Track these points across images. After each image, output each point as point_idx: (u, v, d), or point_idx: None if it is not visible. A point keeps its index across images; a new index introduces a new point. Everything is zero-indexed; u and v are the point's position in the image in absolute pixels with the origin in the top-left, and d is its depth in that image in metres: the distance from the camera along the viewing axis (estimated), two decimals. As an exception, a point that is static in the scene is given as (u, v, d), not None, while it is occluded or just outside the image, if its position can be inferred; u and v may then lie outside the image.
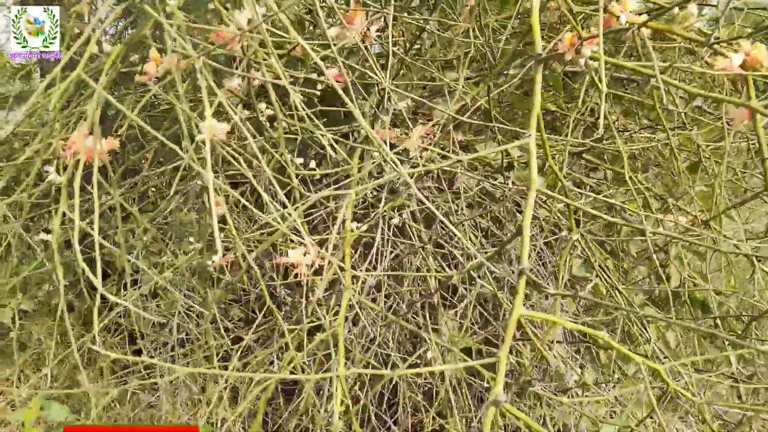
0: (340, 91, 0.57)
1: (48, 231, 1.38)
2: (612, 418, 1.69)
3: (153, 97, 1.00)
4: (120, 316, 1.75)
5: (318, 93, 0.74)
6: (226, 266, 1.01)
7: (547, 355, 0.79)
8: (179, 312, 1.77)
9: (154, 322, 1.90)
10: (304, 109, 0.68)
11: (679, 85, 0.69)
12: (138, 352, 1.93)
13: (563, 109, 1.58)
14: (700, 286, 1.50)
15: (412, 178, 0.59)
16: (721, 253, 1.24)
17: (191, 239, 1.14)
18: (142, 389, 1.84)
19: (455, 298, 1.57)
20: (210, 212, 0.93)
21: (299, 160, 1.01)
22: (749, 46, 0.70)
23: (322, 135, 0.74)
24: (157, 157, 1.80)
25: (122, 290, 1.63)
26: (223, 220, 0.99)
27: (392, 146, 1.10)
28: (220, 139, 0.80)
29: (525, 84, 1.86)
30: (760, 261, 1.48)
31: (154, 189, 1.95)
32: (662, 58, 1.48)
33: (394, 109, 1.07)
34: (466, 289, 1.53)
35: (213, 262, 1.03)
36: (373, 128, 1.26)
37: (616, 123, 1.56)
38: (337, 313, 1.08)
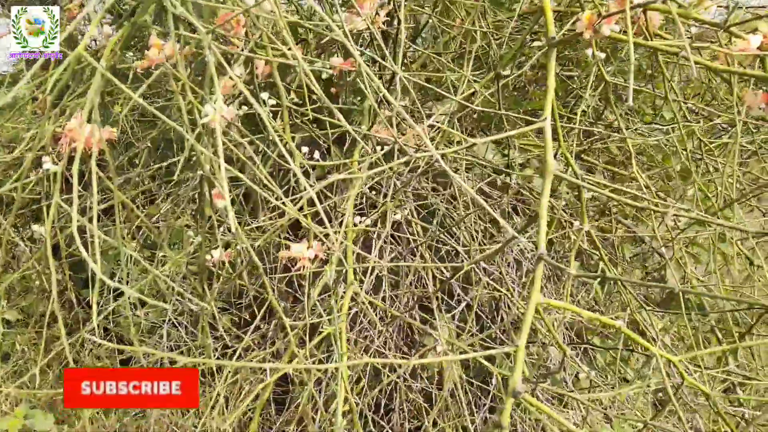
0: (362, 62, 0.55)
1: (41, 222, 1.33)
2: (609, 422, 1.67)
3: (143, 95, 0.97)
4: (108, 322, 1.70)
5: (330, 72, 0.72)
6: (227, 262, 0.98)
7: (565, 348, 0.77)
8: (169, 319, 1.73)
9: (143, 330, 1.85)
10: (319, 97, 0.66)
11: (703, 62, 0.68)
12: (126, 361, 1.88)
13: (560, 110, 1.58)
14: (696, 288, 1.49)
15: (441, 158, 0.57)
16: (744, 239, 1.23)
17: (190, 233, 1.11)
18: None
19: (453, 301, 1.55)
20: (212, 203, 0.90)
21: (305, 149, 0.99)
22: (767, 28, 0.70)
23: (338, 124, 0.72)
24: (147, 160, 1.77)
25: (110, 294, 1.59)
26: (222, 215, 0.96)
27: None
28: (226, 125, 0.77)
29: (518, 89, 1.87)
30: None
31: (142, 194, 1.91)
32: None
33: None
34: (464, 290, 1.51)
35: (212, 257, 1.00)
36: (374, 125, 1.24)
37: (615, 123, 1.56)
38: (338, 311, 1.05)
